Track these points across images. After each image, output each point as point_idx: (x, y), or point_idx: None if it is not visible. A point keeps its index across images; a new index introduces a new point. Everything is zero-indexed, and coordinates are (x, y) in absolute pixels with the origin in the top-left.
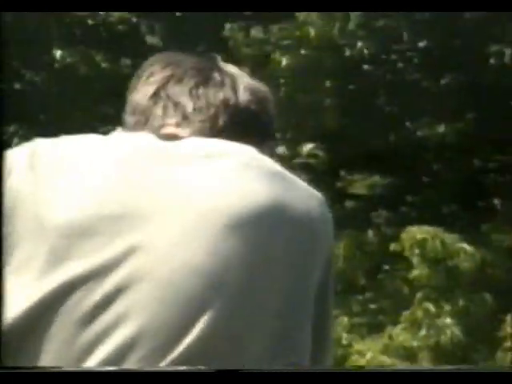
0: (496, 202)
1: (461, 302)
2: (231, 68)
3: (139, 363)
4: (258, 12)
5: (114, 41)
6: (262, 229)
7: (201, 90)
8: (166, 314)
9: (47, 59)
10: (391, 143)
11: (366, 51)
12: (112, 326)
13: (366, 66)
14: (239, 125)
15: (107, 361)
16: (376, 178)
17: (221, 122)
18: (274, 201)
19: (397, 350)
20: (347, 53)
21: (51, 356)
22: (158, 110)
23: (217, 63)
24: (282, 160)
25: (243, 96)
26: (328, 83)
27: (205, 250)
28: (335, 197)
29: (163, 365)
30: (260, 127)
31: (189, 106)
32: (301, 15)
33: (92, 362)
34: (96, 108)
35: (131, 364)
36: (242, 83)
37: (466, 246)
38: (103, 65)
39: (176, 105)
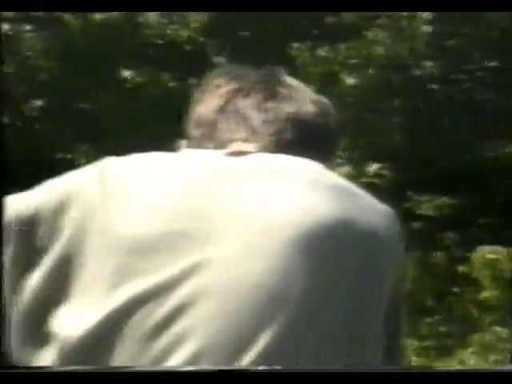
0: None
1: None
2: (295, 82)
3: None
4: (319, 29)
5: (182, 60)
6: (328, 246)
7: (269, 104)
8: (229, 330)
9: (117, 79)
10: (460, 163)
11: (434, 70)
12: (177, 342)
13: (434, 86)
14: (306, 139)
15: (192, 360)
16: (444, 199)
17: (289, 135)
18: (340, 217)
19: None
20: (416, 72)
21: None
22: (225, 124)
23: (282, 77)
24: (349, 179)
25: (310, 110)
26: (396, 103)
27: (268, 266)
28: (402, 217)
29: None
30: (326, 142)
31: (257, 120)
32: (369, 34)
33: (179, 356)
34: (164, 126)
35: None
36: (309, 97)
37: None
38: (171, 84)
39: (244, 119)
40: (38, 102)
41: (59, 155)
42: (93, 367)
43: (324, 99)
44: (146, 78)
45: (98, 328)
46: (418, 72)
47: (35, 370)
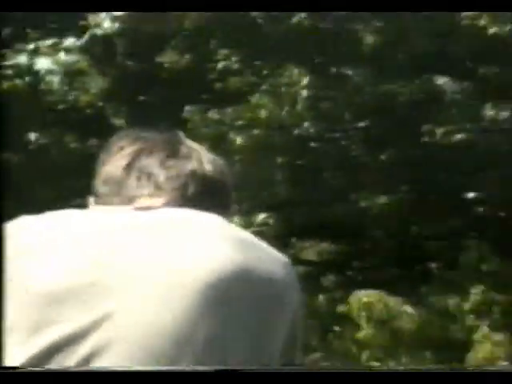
0: (432, 265)
1: (403, 359)
2: (193, 143)
3: None
4: (215, 94)
5: (83, 123)
6: (228, 294)
7: (171, 162)
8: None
9: (23, 141)
10: (337, 213)
11: (312, 130)
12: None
13: (312, 143)
14: (206, 193)
15: None
16: (324, 245)
17: (190, 190)
18: (240, 266)
19: None
20: (296, 132)
21: None
22: (132, 181)
23: (181, 138)
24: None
25: (208, 167)
26: (279, 159)
27: (173, 314)
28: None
29: None
30: (223, 195)
31: (161, 176)
32: (253, 98)
33: None
34: (66, 183)
35: None
36: (205, 156)
37: (407, 308)
38: (72, 145)
39: (149, 176)
40: None
41: None
42: (92, 368)
43: (218, 158)
44: (49, 140)
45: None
46: (297, 131)
47: (35, 370)
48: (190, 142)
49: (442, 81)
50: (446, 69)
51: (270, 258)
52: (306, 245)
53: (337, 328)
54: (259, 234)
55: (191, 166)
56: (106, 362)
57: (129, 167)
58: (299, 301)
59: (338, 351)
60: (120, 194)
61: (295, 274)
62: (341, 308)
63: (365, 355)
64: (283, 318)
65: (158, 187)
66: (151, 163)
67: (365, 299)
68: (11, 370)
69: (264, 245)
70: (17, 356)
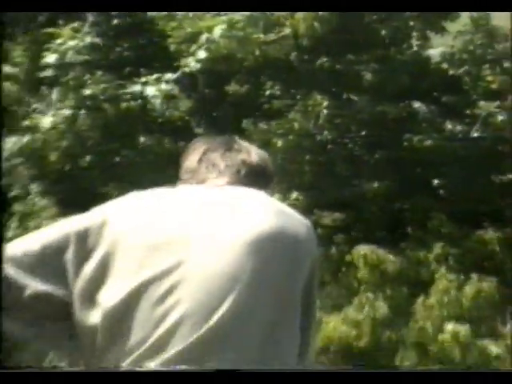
0: (409, 229)
1: (388, 292)
2: (244, 142)
3: (189, 332)
4: None
5: (175, 131)
6: (267, 248)
7: (228, 155)
8: (202, 301)
9: (137, 142)
10: (345, 193)
11: (329, 137)
12: (171, 308)
13: (329, 146)
14: (253, 175)
15: (171, 328)
16: (337, 215)
17: (242, 173)
18: (276, 228)
19: (350, 321)
20: (318, 138)
21: (138, 324)
22: (202, 169)
23: (235, 140)
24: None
25: (254, 157)
26: (306, 156)
27: (228, 262)
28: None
29: (200, 333)
30: (266, 177)
31: (221, 165)
32: (289, 115)
33: (161, 330)
34: (163, 173)
35: (183, 331)
36: (253, 150)
37: (391, 257)
38: (167, 146)
39: (213, 165)
40: None
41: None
42: (92, 368)
43: (263, 152)
44: (153, 142)
45: (124, 300)
46: (319, 138)
47: (35, 370)
48: (242, 142)
49: (417, 105)
50: (420, 97)
51: (297, 222)
52: (324, 214)
53: (343, 269)
54: (292, 206)
55: (242, 156)
56: (181, 293)
57: (200, 160)
58: (316, 251)
59: (344, 285)
60: (195, 179)
61: (314, 233)
62: (347, 257)
63: (361, 288)
64: (305, 261)
65: (220, 172)
66: (215, 157)
67: (362, 251)
68: (11, 370)
69: (294, 212)
70: (118, 292)
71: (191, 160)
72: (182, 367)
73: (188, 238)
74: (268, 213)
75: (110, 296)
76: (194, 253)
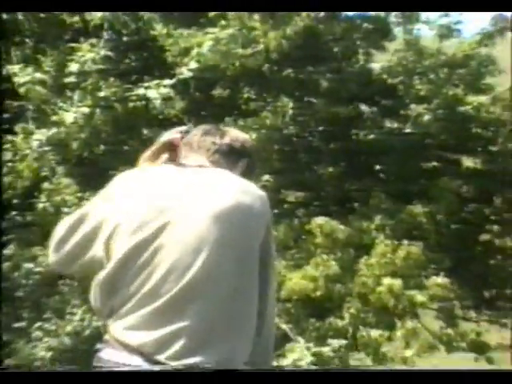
0: (355, 204)
1: (338, 254)
2: (226, 128)
3: (170, 286)
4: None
5: (172, 126)
6: (227, 218)
7: (203, 138)
8: (178, 261)
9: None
10: (305, 178)
11: (293, 131)
12: (155, 267)
13: (294, 138)
14: (221, 154)
15: (161, 280)
16: (299, 193)
17: (211, 152)
18: (234, 202)
19: (308, 277)
20: (284, 131)
21: (131, 280)
22: (185, 148)
23: (217, 127)
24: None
25: (225, 140)
26: (275, 146)
27: (202, 226)
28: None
29: (183, 282)
30: (235, 155)
31: (195, 145)
32: (263, 114)
33: (153, 281)
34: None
35: (166, 286)
36: (228, 134)
37: (341, 227)
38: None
39: (191, 145)
40: None
41: None
42: (92, 369)
43: (241, 135)
44: (153, 134)
45: (120, 260)
46: (285, 132)
47: (34, 370)
48: (224, 128)
49: (362, 107)
50: (365, 100)
51: (252, 196)
52: (289, 193)
53: (303, 237)
54: (263, 186)
55: (213, 139)
56: (161, 257)
57: (185, 142)
58: (269, 217)
59: (304, 249)
60: (181, 155)
61: (267, 203)
62: (306, 227)
63: (318, 251)
64: (259, 225)
65: (195, 151)
66: (195, 139)
67: (319, 222)
68: (11, 370)
69: (251, 188)
70: (116, 256)
71: (182, 141)
72: (182, 367)
73: (166, 212)
74: (229, 190)
75: (112, 259)
76: (172, 224)
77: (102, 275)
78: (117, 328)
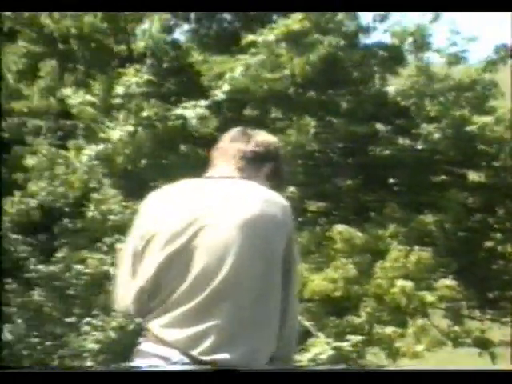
0: (371, 214)
1: (356, 259)
2: (253, 132)
3: (204, 286)
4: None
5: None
6: (252, 228)
7: (230, 145)
8: (211, 263)
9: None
10: (325, 189)
11: (316, 147)
12: (191, 269)
13: (317, 154)
14: (247, 160)
15: (192, 284)
16: (321, 204)
17: (237, 159)
18: (258, 213)
19: (328, 279)
20: (308, 148)
21: (168, 284)
22: (215, 155)
23: (244, 132)
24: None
25: (250, 146)
26: (299, 161)
27: (229, 235)
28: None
29: (212, 286)
30: (261, 159)
31: (225, 153)
32: (291, 132)
33: (186, 285)
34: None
35: (196, 290)
36: (253, 139)
37: (358, 233)
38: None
39: (220, 153)
40: None
41: None
42: (92, 368)
43: (267, 139)
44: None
45: (159, 267)
46: (308, 148)
47: (35, 370)
48: (251, 132)
49: (378, 126)
50: (381, 120)
51: (275, 205)
52: (312, 203)
53: (324, 242)
54: (289, 197)
55: (239, 146)
56: (192, 265)
57: (215, 149)
58: (291, 225)
59: (325, 253)
60: (211, 163)
61: (290, 212)
62: (327, 233)
63: (337, 255)
64: (282, 233)
65: (223, 159)
66: (223, 146)
67: (338, 229)
68: (11, 370)
69: (275, 197)
70: (158, 258)
71: (217, 149)
72: (183, 367)
73: (196, 223)
74: (254, 200)
75: (147, 269)
76: (202, 233)
77: (143, 281)
78: (155, 325)
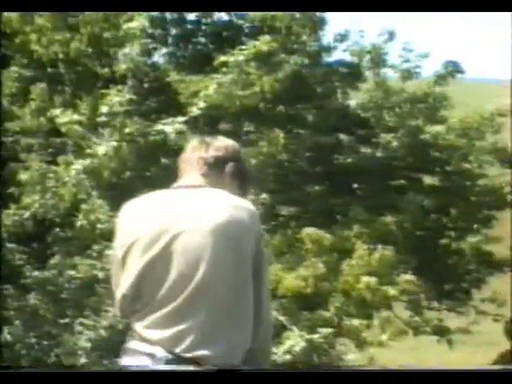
0: (338, 216)
1: (324, 258)
2: (211, 140)
3: (181, 289)
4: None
5: None
6: (221, 233)
7: (192, 154)
8: (186, 267)
9: None
10: (295, 196)
11: (286, 157)
12: (168, 274)
13: (286, 163)
14: (209, 166)
15: (170, 288)
16: (291, 209)
17: (200, 166)
18: (226, 218)
19: (300, 277)
20: (278, 157)
21: (148, 290)
22: (181, 166)
23: (204, 140)
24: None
25: (209, 153)
26: (270, 170)
27: (202, 239)
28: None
29: (188, 289)
30: (222, 164)
31: (187, 162)
32: (262, 144)
33: (164, 288)
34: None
35: (173, 293)
36: (212, 146)
37: (326, 235)
38: None
39: (185, 163)
40: None
41: None
42: (92, 368)
43: (225, 144)
44: None
45: (140, 274)
46: (278, 158)
47: (35, 370)
48: (209, 140)
49: (342, 136)
50: (343, 131)
51: (242, 211)
52: (283, 208)
53: (296, 244)
54: (261, 203)
55: (200, 153)
56: (168, 270)
57: (180, 159)
58: (259, 228)
59: (296, 254)
60: (179, 173)
61: (257, 216)
62: (297, 236)
63: (308, 255)
64: (249, 237)
65: (191, 168)
66: (187, 156)
67: (308, 231)
68: (11, 370)
69: (241, 203)
70: (137, 265)
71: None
72: (183, 367)
73: (170, 231)
74: (221, 207)
75: (128, 276)
76: (176, 240)
77: (125, 287)
78: (139, 326)
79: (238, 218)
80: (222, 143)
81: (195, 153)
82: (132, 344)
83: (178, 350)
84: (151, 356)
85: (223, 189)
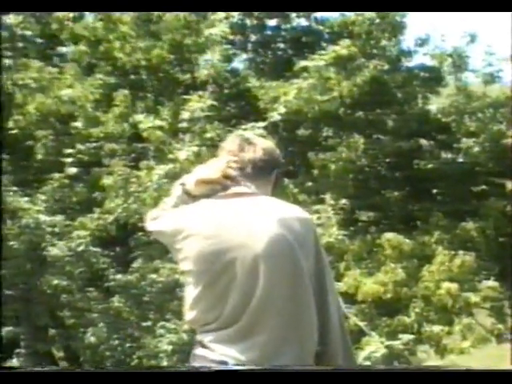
0: (418, 222)
1: (404, 263)
2: (254, 140)
3: (243, 308)
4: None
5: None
6: (276, 243)
7: (241, 154)
8: (248, 282)
9: None
10: None
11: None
12: (228, 292)
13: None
14: (258, 169)
15: (234, 306)
16: (371, 214)
17: (249, 169)
18: (279, 229)
19: (379, 282)
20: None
21: (216, 302)
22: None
23: (247, 140)
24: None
25: (258, 154)
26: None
27: (265, 249)
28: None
29: (250, 309)
30: (269, 166)
31: (237, 165)
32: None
33: (229, 307)
34: None
35: (241, 308)
36: (258, 146)
37: (406, 240)
38: None
39: (232, 165)
40: None
41: None
42: (92, 368)
43: (267, 144)
44: None
45: (205, 286)
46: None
47: (34, 371)
48: (253, 140)
49: (422, 141)
50: (424, 136)
51: (297, 219)
52: (362, 213)
53: (375, 249)
54: (341, 209)
55: (248, 156)
56: (231, 285)
57: (226, 159)
58: (316, 236)
59: (376, 259)
60: (227, 176)
61: (313, 223)
62: (377, 241)
63: (387, 261)
64: (309, 243)
65: (237, 171)
66: (235, 156)
67: (388, 237)
68: (11, 370)
69: (294, 210)
70: (202, 276)
71: (218, 161)
72: (183, 368)
73: (229, 244)
74: (274, 219)
75: (192, 289)
76: (235, 254)
77: (190, 301)
78: (206, 339)
79: (294, 226)
80: (269, 146)
81: (243, 153)
82: (199, 351)
83: (247, 362)
84: (221, 363)
85: (266, 193)
